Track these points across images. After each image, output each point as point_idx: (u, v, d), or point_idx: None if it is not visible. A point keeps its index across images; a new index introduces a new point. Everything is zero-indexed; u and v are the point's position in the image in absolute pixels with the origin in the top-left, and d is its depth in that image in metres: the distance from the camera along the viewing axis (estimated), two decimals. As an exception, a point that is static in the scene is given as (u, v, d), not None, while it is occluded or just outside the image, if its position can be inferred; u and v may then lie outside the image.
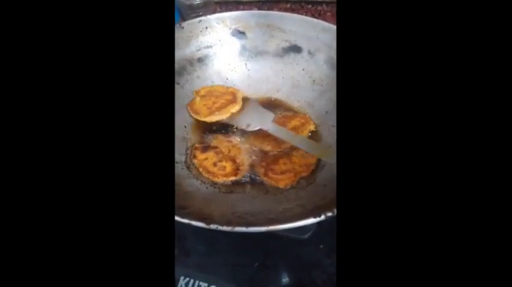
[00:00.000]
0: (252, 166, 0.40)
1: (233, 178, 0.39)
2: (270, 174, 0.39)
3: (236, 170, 0.40)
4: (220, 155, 0.41)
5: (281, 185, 0.38)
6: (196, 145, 0.42)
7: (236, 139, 0.43)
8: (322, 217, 0.26)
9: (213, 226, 0.25)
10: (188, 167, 0.40)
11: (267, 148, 0.42)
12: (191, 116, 0.45)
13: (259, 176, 0.39)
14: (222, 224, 0.25)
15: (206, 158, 0.40)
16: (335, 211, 0.26)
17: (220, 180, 0.38)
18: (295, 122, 0.44)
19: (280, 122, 0.44)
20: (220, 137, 0.43)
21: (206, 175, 0.39)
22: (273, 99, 0.48)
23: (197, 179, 0.39)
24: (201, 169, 0.39)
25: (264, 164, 0.40)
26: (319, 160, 0.40)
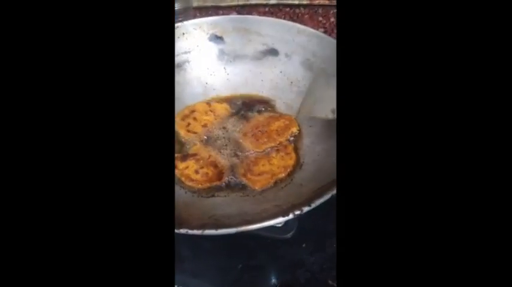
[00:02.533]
0: (232, 168, 0.41)
1: (217, 183, 0.39)
2: (249, 175, 0.39)
3: (219, 174, 0.40)
4: (201, 162, 0.41)
5: (257, 186, 0.38)
6: (175, 155, 0.42)
7: (215, 144, 0.44)
8: (291, 216, 0.26)
9: (182, 231, 0.25)
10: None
11: (248, 147, 0.42)
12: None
13: (238, 177, 0.40)
14: (192, 228, 0.25)
15: (187, 167, 0.40)
16: (303, 209, 0.26)
17: (204, 186, 0.38)
18: (279, 123, 0.44)
19: (265, 123, 0.44)
20: (199, 143, 0.44)
21: (189, 184, 0.39)
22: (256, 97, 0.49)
23: (176, 185, 0.39)
24: (183, 178, 0.39)
25: (244, 164, 0.41)
26: (296, 162, 0.40)
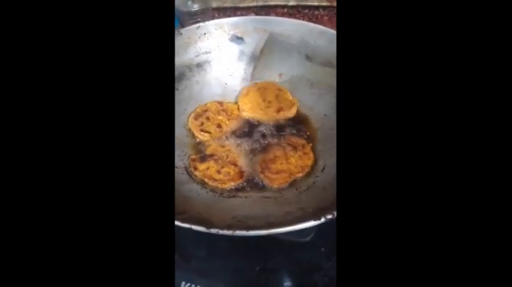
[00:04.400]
0: (251, 166, 0.41)
1: (240, 181, 0.39)
2: (266, 172, 0.39)
3: (241, 173, 0.40)
4: (221, 162, 0.41)
5: (275, 184, 0.38)
6: (193, 156, 0.42)
7: (230, 143, 0.44)
8: (322, 220, 0.26)
9: (213, 230, 0.25)
10: (188, 172, 0.40)
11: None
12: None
13: (257, 175, 0.40)
14: (222, 228, 0.25)
15: (208, 168, 0.40)
16: (335, 213, 0.26)
17: (227, 186, 0.38)
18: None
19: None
20: (214, 144, 0.43)
21: (213, 184, 0.39)
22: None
23: (197, 184, 0.39)
24: (206, 179, 0.39)
25: (262, 163, 0.41)
26: (315, 163, 0.40)
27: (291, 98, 0.47)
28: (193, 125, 0.45)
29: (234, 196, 0.38)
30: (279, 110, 0.45)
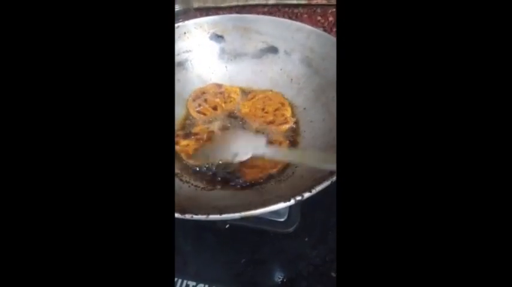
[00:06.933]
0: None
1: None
2: (240, 166, 0.40)
3: None
4: (201, 142, 0.42)
5: (247, 178, 0.39)
6: (178, 132, 0.43)
7: (216, 126, 0.45)
8: (292, 201, 0.27)
9: (187, 216, 0.26)
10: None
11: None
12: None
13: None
14: (196, 213, 0.26)
15: (188, 145, 0.42)
16: (304, 195, 0.27)
17: (199, 164, 0.39)
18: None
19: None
20: (201, 125, 0.45)
21: (186, 159, 0.40)
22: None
23: (180, 180, 0.39)
24: (182, 154, 0.40)
25: None
26: None
27: (288, 115, 0.45)
28: (190, 106, 0.47)
29: (214, 189, 0.38)
30: (269, 123, 0.45)
